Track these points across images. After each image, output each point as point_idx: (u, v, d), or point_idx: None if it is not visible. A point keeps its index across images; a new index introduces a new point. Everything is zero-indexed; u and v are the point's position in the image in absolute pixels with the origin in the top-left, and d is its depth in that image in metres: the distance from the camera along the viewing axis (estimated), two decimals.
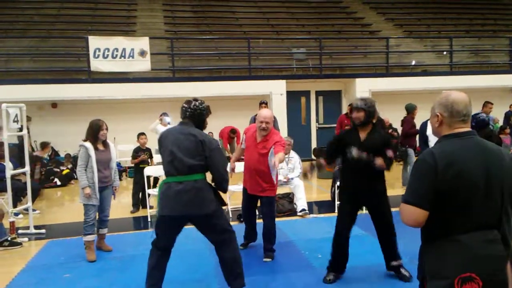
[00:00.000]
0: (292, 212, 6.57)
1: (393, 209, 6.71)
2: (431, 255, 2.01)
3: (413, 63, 13.84)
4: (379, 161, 3.76)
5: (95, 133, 4.85)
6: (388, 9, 17.27)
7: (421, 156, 2.03)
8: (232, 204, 6.62)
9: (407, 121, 8.37)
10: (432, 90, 11.54)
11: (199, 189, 3.35)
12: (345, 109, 12.88)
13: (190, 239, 5.53)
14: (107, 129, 4.96)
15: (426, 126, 6.50)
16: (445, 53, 14.07)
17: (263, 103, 8.57)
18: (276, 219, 6.29)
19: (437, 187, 1.92)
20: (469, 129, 2.05)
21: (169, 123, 9.14)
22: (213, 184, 3.51)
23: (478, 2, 18.28)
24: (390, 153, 3.82)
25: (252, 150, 4.58)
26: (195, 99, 3.62)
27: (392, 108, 11.58)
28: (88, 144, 4.79)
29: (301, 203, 6.55)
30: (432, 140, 6.38)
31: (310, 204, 6.87)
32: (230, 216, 6.46)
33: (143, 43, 10.85)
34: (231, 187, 5.87)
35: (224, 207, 3.62)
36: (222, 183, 3.46)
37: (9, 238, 5.45)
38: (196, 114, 3.55)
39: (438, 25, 16.28)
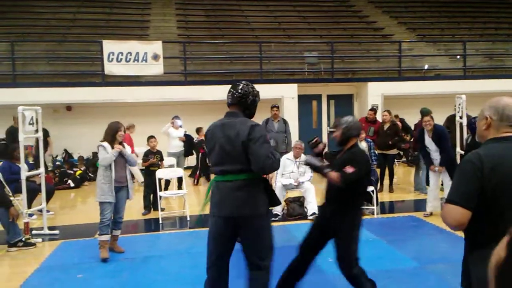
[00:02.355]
0: (303, 215, 6.56)
1: (406, 214, 6.71)
2: (479, 263, 1.94)
3: (426, 67, 13.72)
4: (332, 174, 3.28)
5: (113, 133, 5.01)
6: (401, 12, 17.18)
7: (466, 157, 2.02)
8: None
9: (419, 126, 8.28)
10: (445, 94, 11.44)
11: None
12: (356, 113, 12.86)
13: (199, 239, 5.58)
14: (124, 131, 5.14)
15: (423, 135, 6.38)
16: (458, 57, 13.93)
17: (275, 106, 8.59)
18: (287, 223, 6.34)
19: (482, 189, 1.90)
20: None
21: (180, 126, 9.24)
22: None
23: (492, 5, 18.08)
24: (348, 169, 3.27)
25: None
26: (242, 82, 3.19)
27: (404, 112, 11.52)
28: (106, 144, 4.95)
29: (311, 206, 6.53)
30: (433, 150, 6.29)
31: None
32: None
33: (156, 47, 10.97)
34: None
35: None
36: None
37: (23, 239, 5.54)
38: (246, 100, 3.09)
39: (452, 28, 16.13)
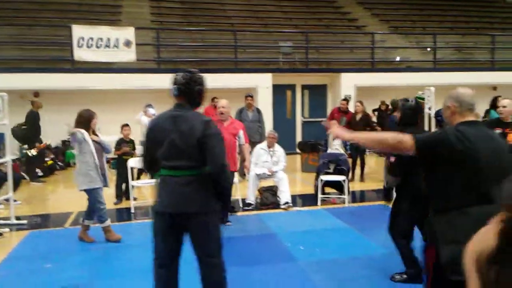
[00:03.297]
0: (276, 204, 6.62)
1: (376, 203, 6.87)
2: (443, 224, 2.30)
3: (398, 59, 13.98)
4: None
5: (87, 122, 4.89)
6: (375, 4, 17.36)
7: (447, 129, 2.41)
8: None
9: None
10: (416, 86, 11.69)
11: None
12: (330, 103, 13.01)
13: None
14: (97, 119, 5.01)
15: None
16: (429, 49, 14.24)
17: (249, 96, 8.59)
18: (260, 212, 6.40)
19: (447, 156, 2.27)
20: (477, 118, 2.48)
21: (154, 115, 9.10)
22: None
23: None
24: (391, 159, 3.62)
25: (224, 133, 4.94)
26: (186, 70, 2.95)
27: (376, 103, 11.73)
28: (83, 131, 4.80)
29: (284, 196, 6.60)
30: None
31: (293, 197, 6.93)
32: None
33: (128, 33, 10.73)
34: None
35: None
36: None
37: None
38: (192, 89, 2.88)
39: (423, 21, 16.45)
